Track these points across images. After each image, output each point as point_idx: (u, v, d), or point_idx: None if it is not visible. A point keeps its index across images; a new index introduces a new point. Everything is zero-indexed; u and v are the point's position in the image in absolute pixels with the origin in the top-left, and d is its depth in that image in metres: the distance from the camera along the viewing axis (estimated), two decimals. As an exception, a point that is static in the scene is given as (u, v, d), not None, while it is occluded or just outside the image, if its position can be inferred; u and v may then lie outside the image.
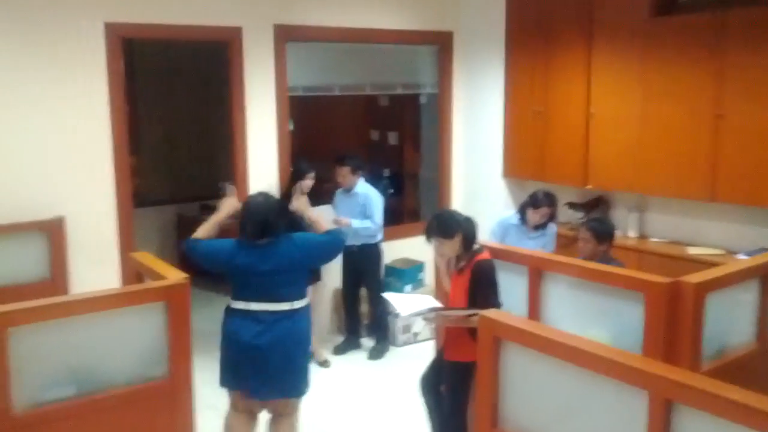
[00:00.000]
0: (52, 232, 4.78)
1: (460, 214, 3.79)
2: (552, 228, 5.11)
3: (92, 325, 3.02)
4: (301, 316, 3.73)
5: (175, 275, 3.26)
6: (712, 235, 5.54)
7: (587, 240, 4.36)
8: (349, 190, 5.80)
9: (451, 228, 3.67)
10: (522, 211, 5.01)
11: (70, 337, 2.98)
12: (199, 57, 7.92)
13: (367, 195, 5.75)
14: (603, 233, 4.37)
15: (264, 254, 3.61)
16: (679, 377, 2.19)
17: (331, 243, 3.87)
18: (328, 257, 4.02)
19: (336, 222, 5.62)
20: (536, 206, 4.90)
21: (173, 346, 3.17)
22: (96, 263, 5.05)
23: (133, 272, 3.84)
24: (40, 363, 2.92)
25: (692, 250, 5.44)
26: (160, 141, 8.20)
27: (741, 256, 5.02)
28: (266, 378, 3.64)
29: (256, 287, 3.61)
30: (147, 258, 3.71)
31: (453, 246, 3.69)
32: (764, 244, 5.07)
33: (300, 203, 4.07)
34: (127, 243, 5.19)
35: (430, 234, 3.74)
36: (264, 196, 3.76)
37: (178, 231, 8.19)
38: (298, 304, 3.69)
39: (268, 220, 3.61)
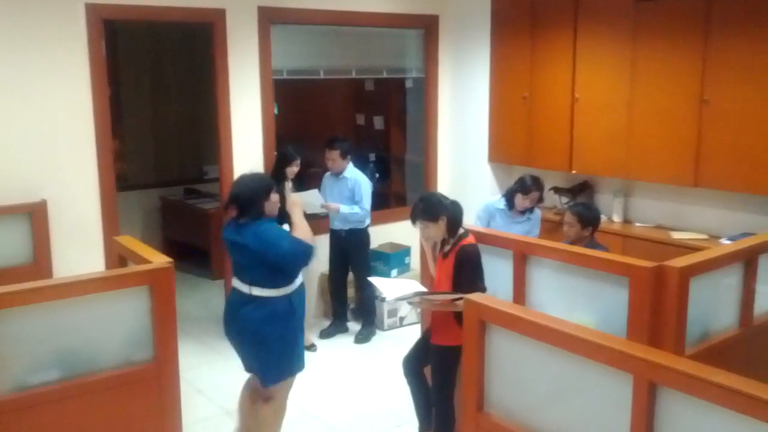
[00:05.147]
0: (35, 216, 4.74)
1: (446, 198, 3.79)
2: (537, 212, 5.13)
3: (76, 308, 2.99)
4: (256, 306, 3.64)
5: (159, 259, 3.24)
6: (696, 220, 5.58)
7: (572, 224, 4.38)
8: (338, 174, 5.77)
9: (437, 211, 3.67)
10: (509, 196, 5.02)
11: (54, 321, 2.95)
12: (184, 39, 7.85)
13: (356, 180, 5.73)
14: (588, 217, 4.39)
15: (240, 230, 3.61)
16: (663, 360, 2.20)
17: (291, 255, 3.55)
18: (285, 266, 3.62)
19: (324, 207, 5.61)
20: (525, 192, 4.90)
21: (158, 329, 3.16)
22: (80, 247, 5.02)
23: (116, 256, 3.81)
24: (24, 347, 2.90)
25: (676, 235, 5.48)
26: (144, 124, 8.14)
27: (724, 241, 5.07)
28: (240, 355, 3.85)
29: (234, 263, 3.75)
30: (131, 242, 3.68)
31: (438, 229, 3.69)
32: (747, 229, 5.11)
33: (293, 203, 3.84)
34: (111, 227, 5.16)
35: (415, 217, 3.73)
36: (252, 175, 3.74)
37: (162, 215, 8.16)
38: (255, 291, 3.63)
39: (239, 196, 3.58)
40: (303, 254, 3.58)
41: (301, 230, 3.65)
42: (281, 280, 3.64)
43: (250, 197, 3.57)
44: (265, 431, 3.86)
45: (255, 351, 3.71)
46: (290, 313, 3.69)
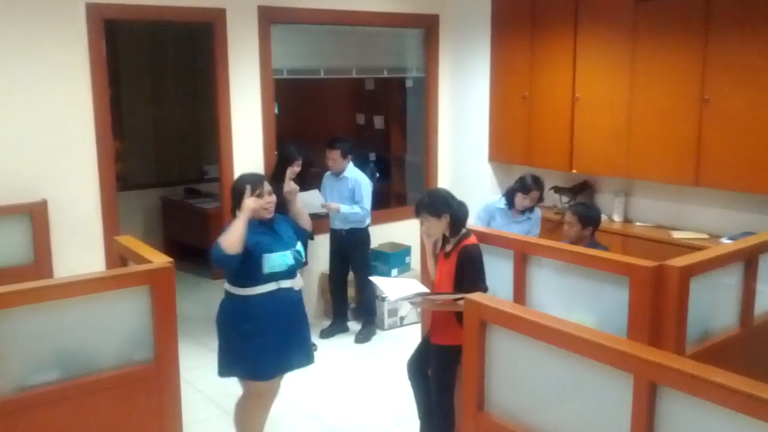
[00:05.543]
0: (36, 216, 4.74)
1: (454, 198, 3.76)
2: (537, 212, 5.13)
3: (77, 308, 2.99)
4: (223, 298, 3.78)
5: (159, 259, 3.23)
6: (696, 220, 5.57)
7: (572, 224, 4.38)
8: (338, 174, 5.77)
9: (440, 208, 3.66)
10: (509, 195, 5.02)
11: (54, 321, 2.95)
12: (185, 39, 7.85)
13: (357, 180, 5.73)
14: (588, 217, 4.39)
15: None
16: (663, 360, 2.20)
17: (211, 257, 3.60)
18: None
19: (325, 207, 5.61)
20: (526, 191, 4.90)
21: (158, 329, 3.15)
22: (80, 247, 5.02)
23: (117, 256, 3.81)
24: (24, 347, 2.89)
25: (677, 234, 5.48)
26: (144, 124, 8.14)
27: (725, 241, 5.06)
28: None
29: None
30: (131, 242, 3.68)
31: (439, 226, 3.69)
32: (747, 229, 5.11)
33: (244, 207, 3.66)
34: (111, 226, 5.16)
35: (419, 209, 3.73)
36: (241, 176, 3.83)
37: (162, 215, 8.16)
38: (225, 285, 3.75)
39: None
40: (214, 257, 3.53)
41: (227, 234, 3.50)
42: (238, 279, 3.64)
43: (231, 196, 3.71)
44: (237, 428, 3.90)
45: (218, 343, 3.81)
46: (243, 315, 3.63)
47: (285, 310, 3.70)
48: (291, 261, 3.68)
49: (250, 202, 3.56)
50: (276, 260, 3.62)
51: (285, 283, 3.68)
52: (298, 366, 3.84)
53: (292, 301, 3.75)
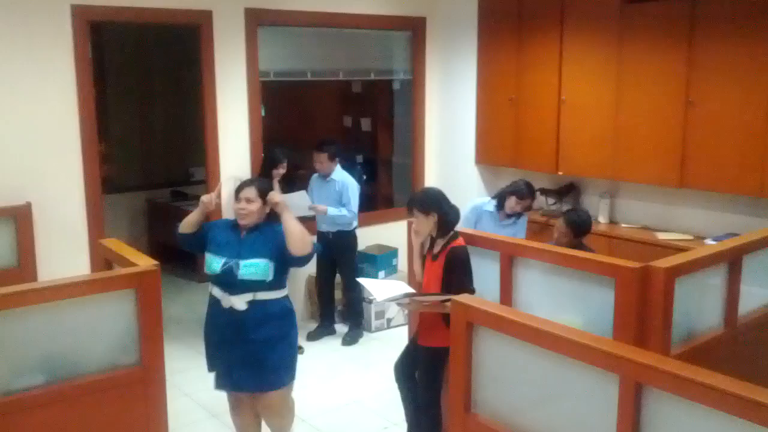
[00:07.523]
0: (19, 219, 4.70)
1: (446, 199, 3.75)
2: (523, 217, 5.11)
3: (62, 312, 2.97)
4: None
5: (144, 262, 3.22)
6: (681, 221, 5.61)
7: (565, 233, 4.33)
8: (325, 177, 5.77)
9: (429, 205, 3.67)
10: (500, 198, 4.98)
11: (39, 325, 2.93)
12: (171, 41, 7.82)
13: (344, 182, 5.72)
14: (581, 227, 4.35)
15: None
16: (648, 361, 2.21)
17: None
18: None
19: (312, 209, 5.60)
20: (522, 197, 4.88)
21: (144, 332, 3.14)
22: (65, 250, 4.98)
23: (102, 259, 3.79)
24: (9, 351, 2.87)
25: (662, 236, 5.51)
26: (130, 126, 8.10)
27: (709, 242, 5.10)
28: None
29: None
30: (117, 245, 3.66)
31: (426, 224, 3.69)
32: (732, 230, 5.15)
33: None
34: (97, 230, 5.12)
35: (411, 204, 3.76)
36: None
37: (148, 217, 8.12)
38: None
39: None
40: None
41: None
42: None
43: None
44: None
45: None
46: (207, 312, 3.71)
47: (215, 319, 3.62)
48: (216, 268, 3.48)
49: (203, 197, 3.78)
50: (208, 260, 3.59)
51: (215, 291, 3.58)
52: (244, 389, 3.68)
53: (224, 314, 3.54)
